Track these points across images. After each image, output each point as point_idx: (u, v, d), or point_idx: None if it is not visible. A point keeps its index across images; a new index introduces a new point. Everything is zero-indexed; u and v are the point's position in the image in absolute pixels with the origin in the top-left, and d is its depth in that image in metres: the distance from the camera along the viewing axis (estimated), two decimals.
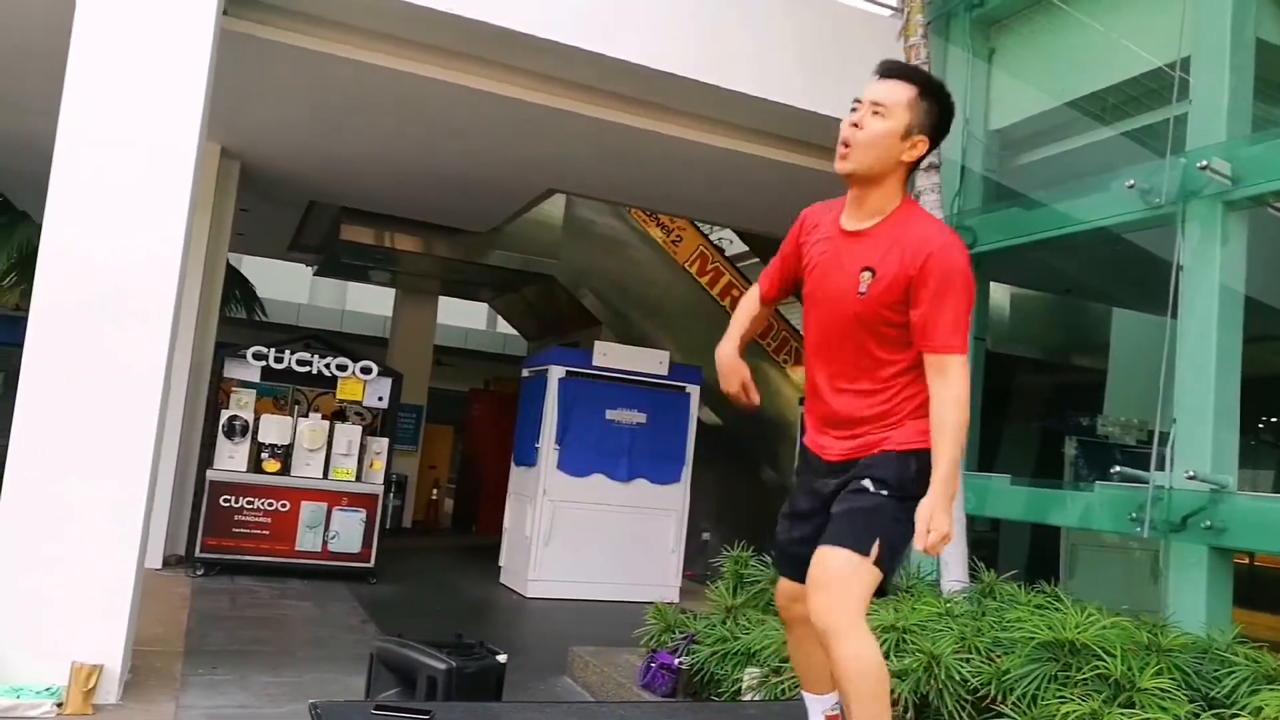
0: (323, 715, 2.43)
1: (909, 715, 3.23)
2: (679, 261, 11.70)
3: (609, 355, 8.76)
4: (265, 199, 9.26)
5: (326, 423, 7.95)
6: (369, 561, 7.92)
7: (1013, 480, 5.47)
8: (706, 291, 11.79)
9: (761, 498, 12.10)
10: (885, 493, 2.18)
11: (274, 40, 5.63)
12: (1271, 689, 2.60)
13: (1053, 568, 6.55)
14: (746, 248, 13.92)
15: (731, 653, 4.15)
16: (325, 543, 7.80)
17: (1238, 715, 2.56)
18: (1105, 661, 2.91)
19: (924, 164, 5.00)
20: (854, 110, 2.29)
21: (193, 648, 5.29)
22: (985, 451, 6.00)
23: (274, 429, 7.82)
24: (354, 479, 7.95)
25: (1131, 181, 4.68)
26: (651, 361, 8.90)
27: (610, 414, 8.71)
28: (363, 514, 7.94)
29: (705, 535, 11.17)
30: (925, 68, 5.08)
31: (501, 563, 8.99)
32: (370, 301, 20.41)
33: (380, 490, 8.03)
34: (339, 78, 6.11)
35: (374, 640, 3.41)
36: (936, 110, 2.27)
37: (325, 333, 10.03)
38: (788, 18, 6.15)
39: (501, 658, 3.34)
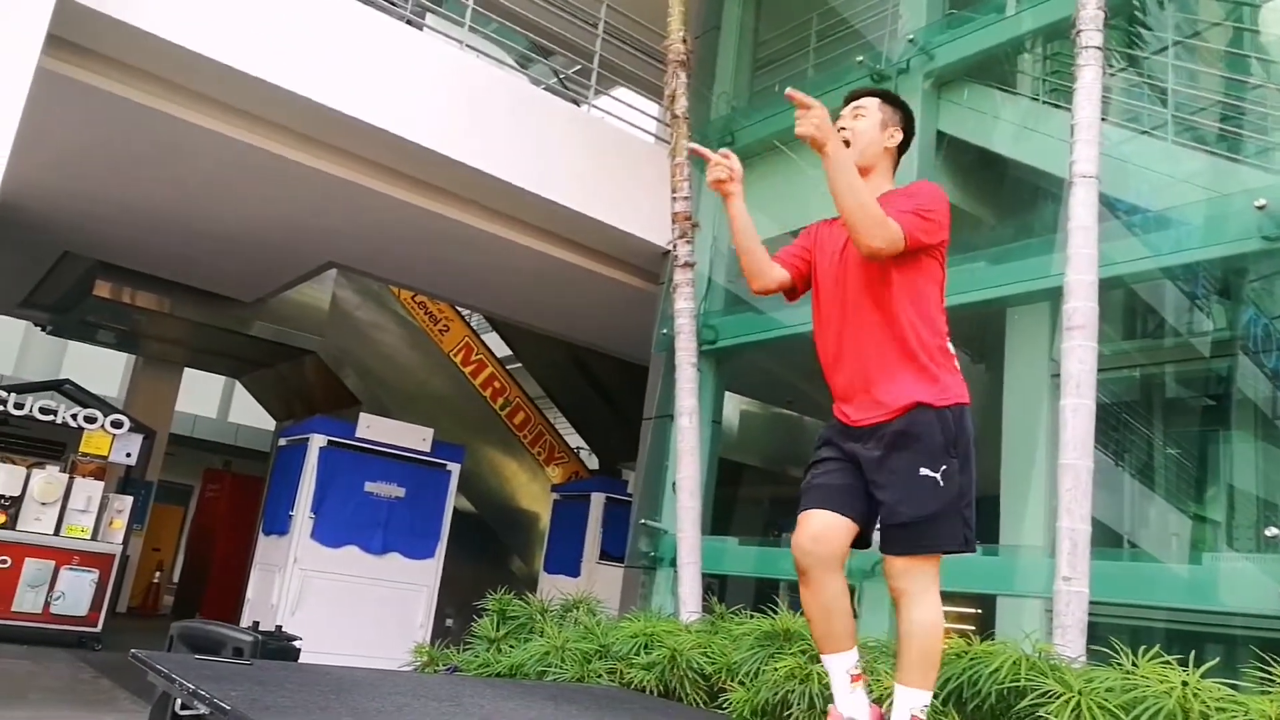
0: (145, 660, 2.62)
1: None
2: (444, 350, 12.06)
3: (373, 428, 8.95)
4: (10, 249, 8.80)
5: (65, 475, 7.57)
6: (96, 626, 7.49)
7: (740, 542, 6.36)
8: (469, 382, 12.18)
9: (510, 589, 12.34)
10: (944, 469, 2.38)
11: (69, 77, 5.60)
12: None
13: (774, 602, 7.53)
14: (510, 351, 14.37)
15: (494, 673, 4.54)
16: (48, 604, 7.32)
17: None
18: (808, 639, 3.66)
19: (680, 261, 5.93)
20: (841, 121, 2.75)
21: None
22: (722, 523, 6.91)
23: (1, 478, 7.35)
24: (90, 537, 7.56)
25: None
26: (415, 437, 9.17)
27: (369, 486, 8.84)
28: (94, 575, 7.54)
29: (449, 622, 11.27)
30: (688, 184, 6.04)
31: None
32: (94, 373, 18.97)
33: (118, 550, 7.68)
34: (128, 123, 6.12)
35: (172, 624, 3.53)
36: (897, 108, 2.78)
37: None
38: (568, 135, 7.05)
39: (298, 643, 3.57)
